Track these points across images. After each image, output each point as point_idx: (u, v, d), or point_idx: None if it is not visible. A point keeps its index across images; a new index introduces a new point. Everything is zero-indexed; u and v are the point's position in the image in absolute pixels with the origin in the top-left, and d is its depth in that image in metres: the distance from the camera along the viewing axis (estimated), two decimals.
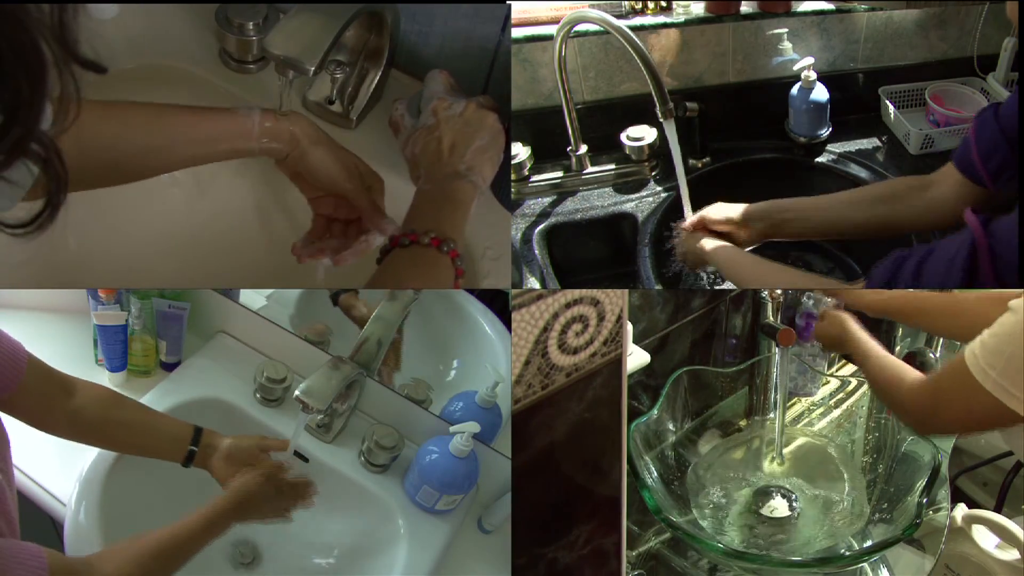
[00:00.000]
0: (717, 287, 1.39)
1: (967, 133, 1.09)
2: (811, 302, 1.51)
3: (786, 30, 1.50)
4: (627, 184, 1.44)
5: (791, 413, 1.44)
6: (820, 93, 1.47)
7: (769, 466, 1.37)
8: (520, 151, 1.39)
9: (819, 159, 1.49)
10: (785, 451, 1.38)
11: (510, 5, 1.20)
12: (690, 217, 1.29)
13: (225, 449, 1.08)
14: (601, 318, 0.75)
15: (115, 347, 1.34)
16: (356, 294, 1.32)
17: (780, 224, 1.25)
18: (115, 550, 0.91)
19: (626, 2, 1.46)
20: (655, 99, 1.21)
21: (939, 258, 0.93)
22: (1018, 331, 0.90)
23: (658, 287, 1.32)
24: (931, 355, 1.51)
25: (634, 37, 1.18)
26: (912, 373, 1.09)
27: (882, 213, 1.20)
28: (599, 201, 1.42)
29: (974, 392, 0.93)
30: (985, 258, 0.87)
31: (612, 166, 1.45)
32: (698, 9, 1.47)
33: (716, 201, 1.28)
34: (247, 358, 1.37)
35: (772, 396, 1.41)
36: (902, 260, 0.97)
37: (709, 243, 1.24)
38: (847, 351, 1.24)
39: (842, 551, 1.20)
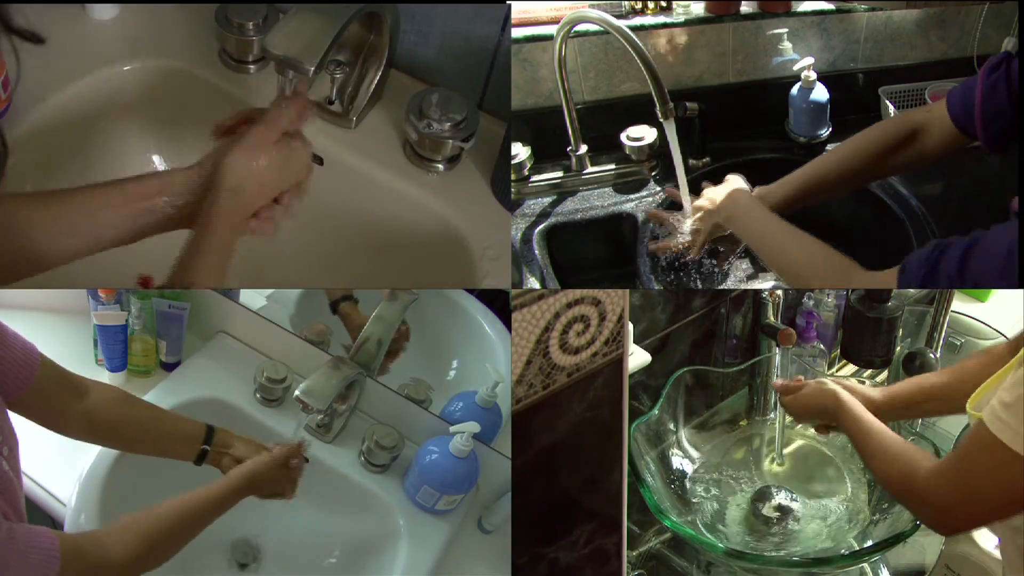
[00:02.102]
0: (718, 287, 1.39)
1: (975, 88, 1.04)
2: (811, 302, 1.51)
3: (786, 30, 1.50)
4: (627, 184, 1.44)
5: None
6: (820, 93, 1.47)
7: (769, 466, 1.37)
8: (520, 151, 1.39)
9: None
10: (785, 451, 1.38)
11: (510, 5, 1.20)
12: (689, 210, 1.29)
13: (238, 453, 1.08)
14: (602, 318, 0.75)
15: (115, 347, 1.34)
16: (355, 303, 1.32)
17: (792, 200, 1.22)
18: (122, 525, 0.91)
19: (626, 2, 1.46)
20: (655, 99, 1.21)
21: (989, 250, 0.84)
22: None
23: (658, 287, 1.32)
24: (931, 355, 1.51)
25: (634, 37, 1.18)
26: (923, 460, 0.94)
27: (877, 167, 1.18)
28: (599, 201, 1.42)
29: (1010, 463, 0.81)
30: None
31: (612, 166, 1.45)
32: (698, 9, 1.47)
33: None
34: (247, 358, 1.37)
35: (772, 396, 1.41)
36: (943, 249, 0.88)
37: (742, 201, 1.20)
38: (839, 426, 1.13)
39: (842, 551, 1.20)
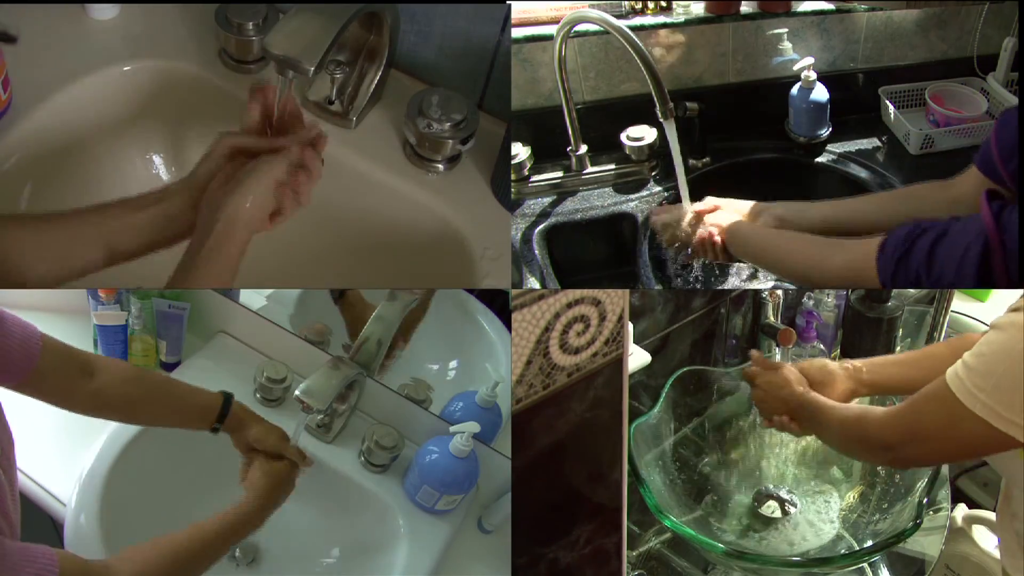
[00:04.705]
0: (717, 287, 1.39)
1: (989, 134, 1.06)
2: (811, 302, 1.51)
3: (786, 30, 1.50)
4: (627, 184, 1.44)
5: None
6: (820, 93, 1.47)
7: (769, 466, 1.37)
8: (520, 151, 1.39)
9: (819, 159, 1.49)
10: (786, 451, 1.37)
11: (510, 5, 1.20)
12: (690, 204, 1.28)
13: (253, 433, 1.09)
14: (602, 318, 0.75)
15: (115, 347, 1.34)
16: (358, 293, 1.33)
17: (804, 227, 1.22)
18: (135, 551, 0.91)
19: (626, 2, 1.46)
20: (655, 99, 1.21)
21: (954, 244, 0.88)
22: (1009, 349, 0.86)
23: (658, 287, 1.32)
24: None
25: (634, 37, 1.18)
26: (876, 410, 1.03)
27: (906, 212, 1.16)
28: (599, 201, 1.42)
29: (959, 418, 0.88)
30: (997, 252, 0.84)
31: (612, 166, 1.45)
32: (698, 9, 1.47)
33: None
34: (247, 358, 1.37)
35: None
36: (916, 236, 0.91)
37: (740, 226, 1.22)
38: (797, 416, 1.18)
39: (842, 551, 1.20)
